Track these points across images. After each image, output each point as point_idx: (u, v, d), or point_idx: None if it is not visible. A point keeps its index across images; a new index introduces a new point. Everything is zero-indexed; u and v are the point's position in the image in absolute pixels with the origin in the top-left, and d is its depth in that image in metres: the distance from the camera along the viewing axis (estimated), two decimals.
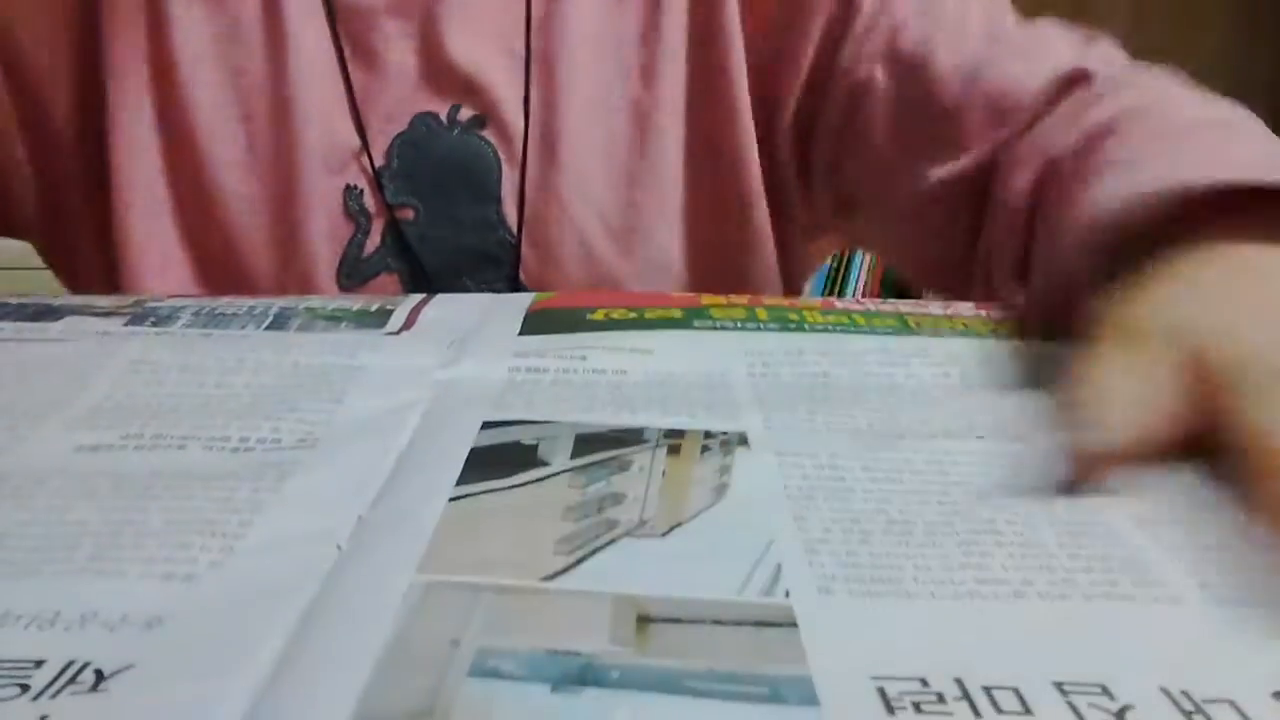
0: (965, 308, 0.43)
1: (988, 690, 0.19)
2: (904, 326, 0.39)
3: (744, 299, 0.42)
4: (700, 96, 0.57)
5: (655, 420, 0.31)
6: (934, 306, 0.42)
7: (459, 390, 0.33)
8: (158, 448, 0.29)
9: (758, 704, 0.19)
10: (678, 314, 0.40)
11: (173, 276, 0.55)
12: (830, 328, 0.39)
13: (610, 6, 0.57)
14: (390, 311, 0.40)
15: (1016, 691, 0.19)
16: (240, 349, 0.36)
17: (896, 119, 0.54)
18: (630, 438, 0.30)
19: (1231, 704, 0.19)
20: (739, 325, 0.39)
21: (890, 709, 0.18)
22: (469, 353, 0.36)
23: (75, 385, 0.33)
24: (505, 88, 0.55)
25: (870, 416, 0.32)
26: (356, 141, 0.55)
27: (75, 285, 0.61)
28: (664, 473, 0.28)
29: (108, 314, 0.39)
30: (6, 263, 1.13)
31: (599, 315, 0.40)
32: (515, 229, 0.56)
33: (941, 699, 0.19)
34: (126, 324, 0.38)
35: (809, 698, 0.19)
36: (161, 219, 0.54)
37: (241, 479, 0.27)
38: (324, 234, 0.54)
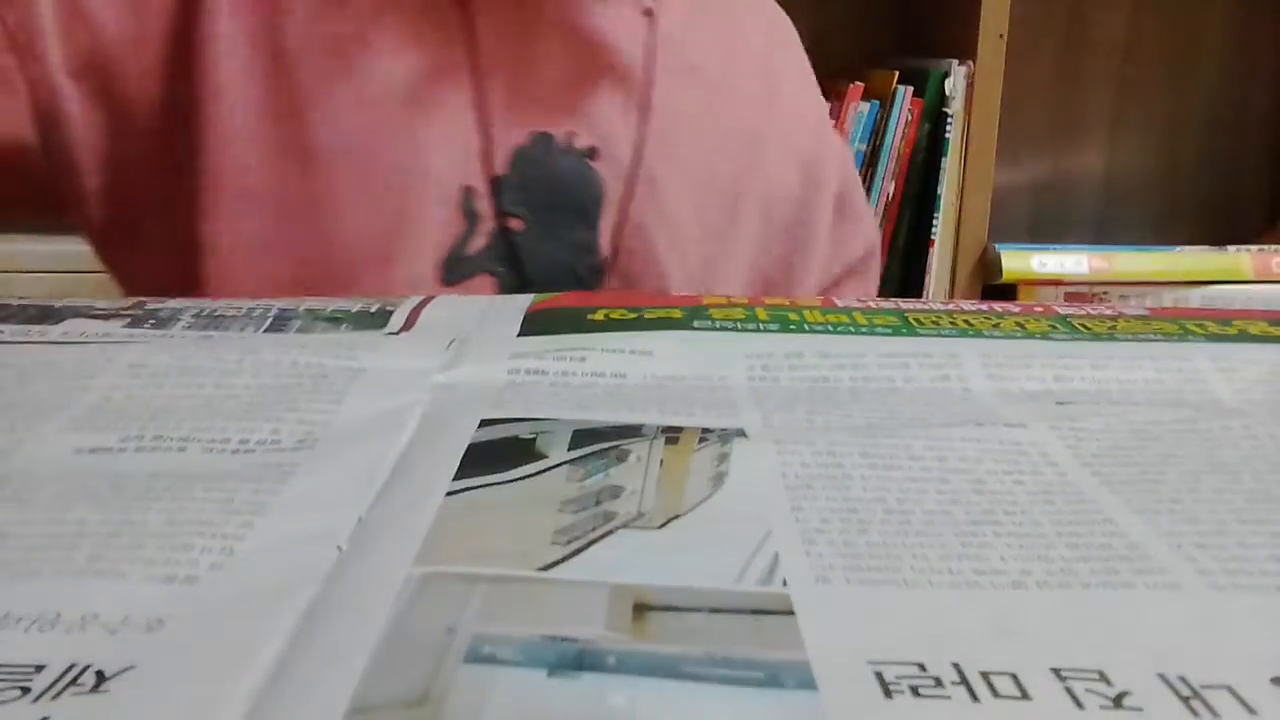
0: (968, 304, 0.43)
1: (985, 675, 0.19)
2: (905, 324, 0.39)
3: (744, 299, 0.43)
4: (797, 196, 0.66)
5: (653, 419, 0.31)
6: (936, 303, 0.43)
7: (458, 392, 0.33)
8: (158, 449, 0.29)
9: (755, 688, 0.19)
10: (677, 314, 0.40)
11: (265, 265, 0.54)
12: (830, 327, 0.39)
13: (727, 88, 0.63)
14: (390, 312, 0.41)
15: (1014, 677, 0.19)
16: (239, 351, 0.36)
17: None
18: (628, 432, 0.30)
19: (1230, 690, 0.19)
20: (739, 326, 0.39)
21: (888, 693, 0.18)
22: (468, 355, 0.36)
23: (75, 389, 0.33)
24: (620, 124, 0.58)
25: (869, 416, 0.32)
26: (478, 143, 0.56)
27: (134, 286, 0.60)
28: (661, 463, 0.28)
29: (108, 316, 0.40)
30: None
31: (599, 316, 0.40)
32: (606, 258, 0.59)
33: (939, 683, 0.19)
34: (126, 326, 0.39)
35: (806, 682, 0.19)
36: (257, 208, 0.54)
37: (242, 480, 0.27)
38: (436, 226, 0.56)
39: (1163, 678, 0.19)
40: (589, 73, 0.58)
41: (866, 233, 0.73)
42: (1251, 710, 0.18)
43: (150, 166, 0.55)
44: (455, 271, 0.56)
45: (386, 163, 0.54)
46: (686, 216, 0.61)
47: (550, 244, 0.58)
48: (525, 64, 0.57)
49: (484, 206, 0.56)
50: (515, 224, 0.57)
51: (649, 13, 0.59)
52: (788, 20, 0.70)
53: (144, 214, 0.56)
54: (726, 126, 0.63)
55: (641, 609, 0.21)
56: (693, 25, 0.62)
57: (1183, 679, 0.19)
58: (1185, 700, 0.19)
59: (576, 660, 0.19)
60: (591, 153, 0.58)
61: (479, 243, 0.56)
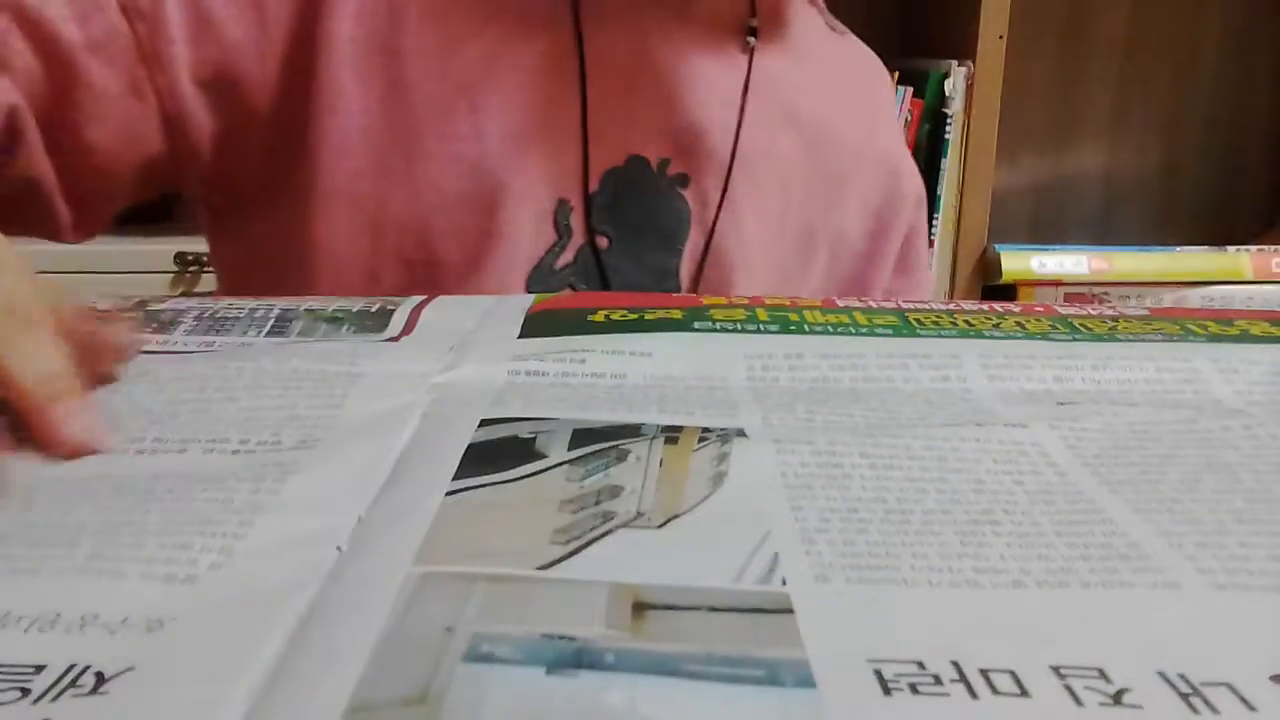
0: (968, 305, 0.43)
1: (984, 673, 0.19)
2: (905, 325, 0.39)
3: (745, 299, 0.43)
4: (864, 250, 0.69)
5: (653, 419, 0.31)
6: (936, 304, 0.43)
7: (458, 392, 0.33)
8: (158, 451, 0.29)
9: (754, 686, 0.19)
10: (678, 315, 0.40)
11: (368, 265, 0.56)
12: (831, 328, 0.39)
13: (819, 138, 0.65)
14: (391, 312, 0.41)
15: (1013, 674, 0.19)
16: (240, 358, 0.36)
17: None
18: (628, 431, 0.30)
19: (1229, 687, 0.19)
20: (739, 326, 0.39)
21: (887, 690, 0.18)
22: (468, 356, 0.36)
23: None
24: (715, 160, 0.60)
25: (869, 416, 0.32)
26: (577, 161, 0.57)
27: (239, 279, 0.62)
28: (661, 463, 0.28)
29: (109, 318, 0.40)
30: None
31: (599, 317, 0.40)
32: (685, 285, 0.61)
33: (938, 681, 0.19)
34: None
35: (805, 680, 0.19)
36: (363, 212, 0.55)
37: (242, 480, 0.27)
38: (530, 236, 0.57)
39: (1162, 675, 0.19)
40: (687, 104, 0.59)
41: (919, 288, 0.74)
42: (1251, 707, 0.18)
43: (261, 170, 0.56)
44: (541, 284, 0.57)
45: (489, 179, 0.56)
46: (763, 252, 0.62)
47: (632, 264, 0.59)
48: (628, 92, 0.58)
49: (576, 221, 0.58)
50: (601, 241, 0.58)
51: (748, 50, 0.61)
52: (880, 64, 0.73)
53: (252, 213, 0.58)
54: (815, 169, 0.64)
55: (641, 608, 0.21)
56: (794, 65, 0.64)
57: (1182, 676, 0.19)
58: (1185, 697, 0.19)
59: (575, 658, 0.19)
60: (683, 180, 0.60)
61: (567, 257, 0.58)
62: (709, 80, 0.59)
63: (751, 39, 0.61)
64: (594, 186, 0.58)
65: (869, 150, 0.68)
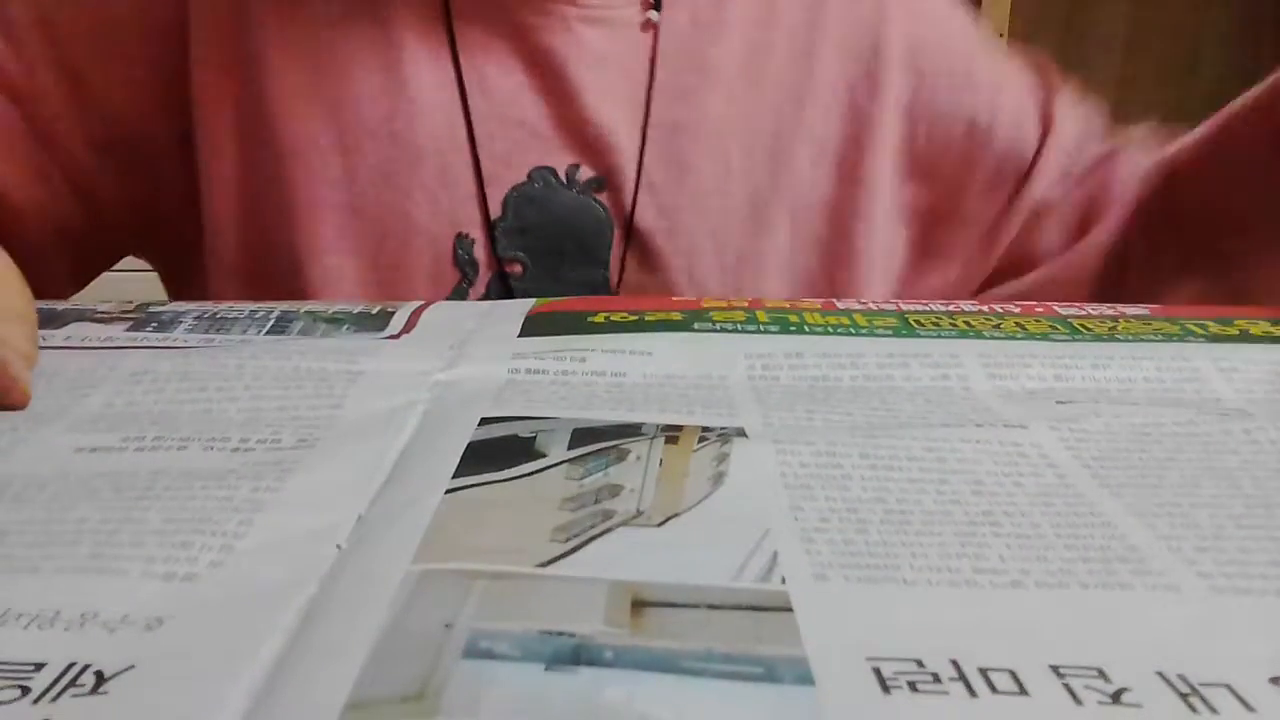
0: (968, 305, 0.43)
1: (984, 672, 0.19)
2: (905, 325, 0.39)
3: (745, 301, 0.43)
4: (830, 199, 0.59)
5: (653, 418, 0.31)
6: (935, 304, 0.43)
7: (458, 391, 0.33)
8: (158, 449, 0.29)
9: (752, 683, 0.19)
10: (678, 316, 0.40)
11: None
12: (830, 329, 0.39)
13: (749, 92, 0.57)
14: (391, 314, 0.41)
15: (1013, 674, 0.19)
16: (240, 356, 0.36)
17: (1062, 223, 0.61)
18: (628, 430, 0.30)
19: (1229, 688, 0.19)
20: (739, 327, 0.39)
21: (885, 689, 0.19)
22: (468, 355, 0.36)
23: (77, 395, 0.33)
24: (628, 153, 0.55)
25: (869, 415, 0.32)
26: (472, 187, 0.53)
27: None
28: (661, 462, 0.28)
29: (110, 320, 0.40)
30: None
31: (599, 318, 0.40)
32: (622, 294, 0.56)
33: (937, 679, 0.19)
34: (129, 330, 0.39)
35: (804, 677, 0.19)
36: (246, 252, 0.54)
37: (242, 478, 0.27)
38: (427, 280, 0.53)
39: (1161, 675, 0.19)
40: (586, 97, 0.54)
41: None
42: (1250, 708, 0.18)
43: (179, 226, 0.55)
44: None
45: (370, 212, 0.52)
46: (707, 239, 0.56)
47: (551, 287, 0.55)
48: (517, 96, 0.54)
49: (481, 253, 0.54)
50: (515, 269, 0.54)
51: (649, 25, 0.56)
52: None
53: (180, 253, 0.57)
54: (747, 123, 0.57)
55: (640, 605, 0.21)
56: (710, 26, 0.57)
57: (1181, 677, 0.19)
58: (1184, 697, 0.19)
59: (574, 655, 0.19)
60: (598, 184, 0.55)
61: (478, 291, 0.54)
62: (600, 57, 0.54)
63: (654, 13, 0.55)
64: (495, 212, 0.53)
65: (816, 99, 0.58)
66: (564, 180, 0.55)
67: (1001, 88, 0.61)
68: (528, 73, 0.54)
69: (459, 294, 0.54)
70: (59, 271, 0.56)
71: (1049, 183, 0.61)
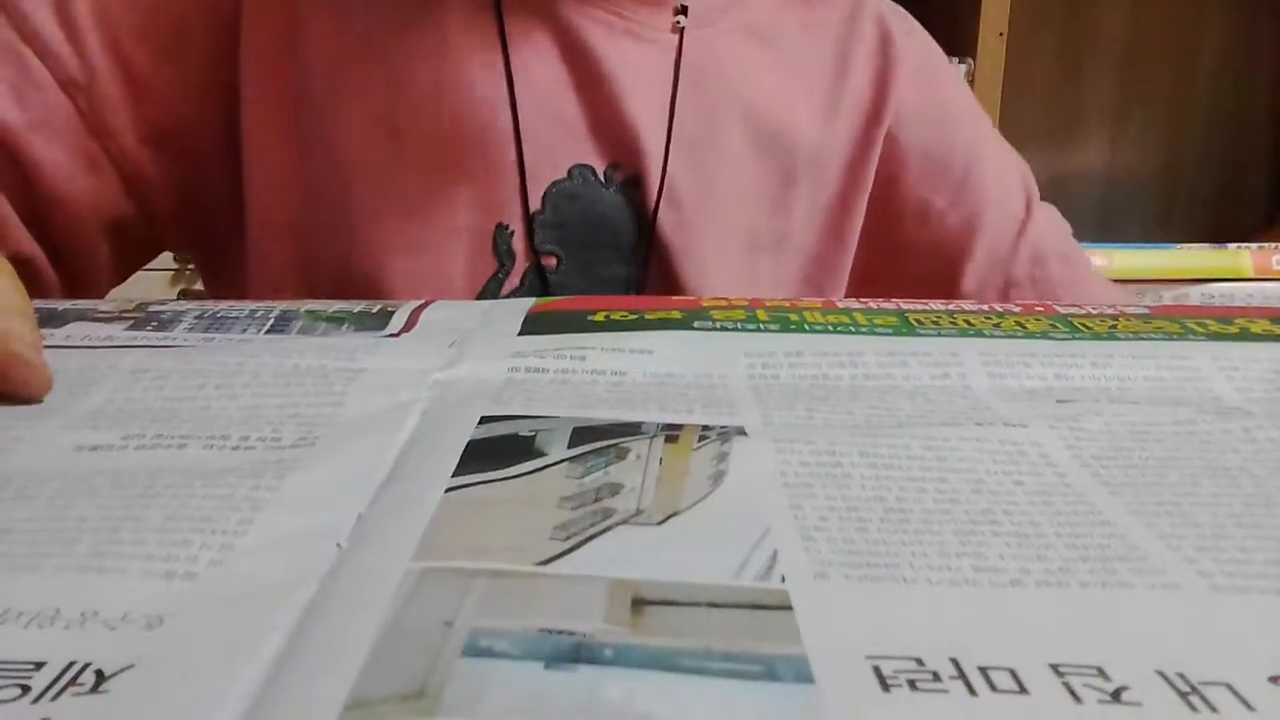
0: (968, 304, 0.43)
1: (984, 670, 0.19)
2: (905, 324, 0.39)
3: (745, 300, 0.43)
4: (815, 254, 0.63)
5: (653, 417, 0.31)
6: (935, 303, 0.43)
7: (458, 389, 0.33)
8: (158, 447, 0.29)
9: (752, 681, 0.19)
10: (678, 315, 0.40)
11: (313, 293, 0.55)
12: (831, 328, 0.39)
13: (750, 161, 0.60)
14: (391, 313, 0.41)
15: (1012, 672, 0.19)
16: (240, 354, 0.36)
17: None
18: (628, 429, 0.30)
19: (1228, 687, 0.19)
20: (739, 326, 0.39)
21: (885, 687, 0.19)
22: (469, 353, 0.36)
23: (77, 393, 0.33)
24: (655, 159, 0.56)
25: (869, 413, 0.32)
26: (515, 180, 0.54)
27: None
28: (661, 461, 0.28)
29: (111, 319, 0.40)
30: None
31: (599, 317, 0.40)
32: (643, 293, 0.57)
33: (937, 678, 0.19)
34: (129, 329, 0.39)
35: (804, 675, 0.19)
36: (295, 244, 0.55)
37: (241, 476, 0.27)
38: (465, 269, 0.54)
39: (1161, 674, 0.19)
40: (621, 97, 0.55)
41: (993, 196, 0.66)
42: (1250, 707, 0.18)
43: (228, 216, 0.56)
44: None
45: (417, 202, 0.53)
46: (716, 255, 0.59)
47: (584, 281, 0.56)
48: (560, 93, 0.55)
49: (519, 244, 0.55)
50: (550, 261, 0.56)
51: (677, 29, 0.57)
52: (874, 13, 0.65)
53: (231, 259, 0.58)
54: (765, 169, 0.60)
55: (640, 603, 0.21)
56: (745, 47, 0.59)
57: (1181, 675, 0.19)
58: (1184, 696, 0.19)
59: (573, 653, 0.19)
60: (634, 183, 0.56)
61: (513, 283, 0.55)
62: (638, 66, 0.56)
63: (681, 18, 0.57)
64: (535, 205, 0.55)
65: (828, 143, 0.62)
66: (602, 180, 0.56)
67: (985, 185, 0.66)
68: (571, 70, 0.55)
69: (495, 283, 0.55)
70: (101, 262, 0.56)
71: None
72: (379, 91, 0.53)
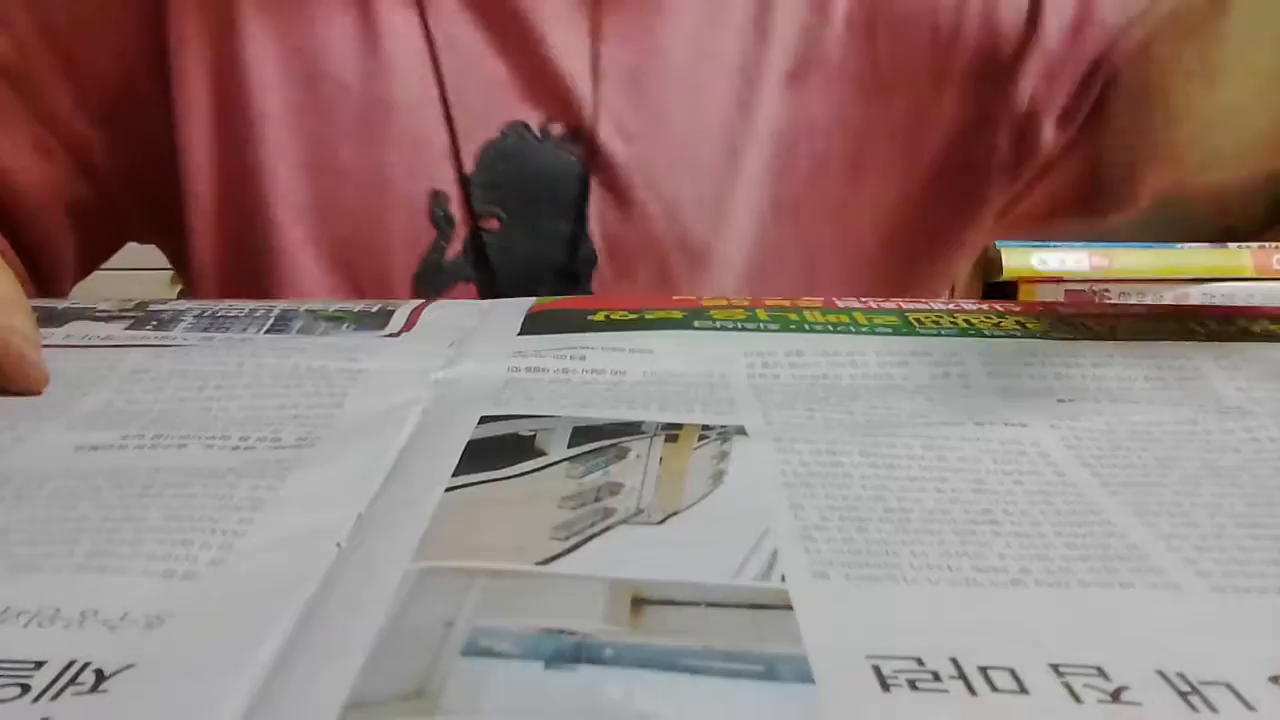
0: (968, 304, 0.43)
1: (984, 670, 0.19)
2: (905, 324, 0.39)
3: (745, 300, 0.43)
4: (793, 132, 0.56)
5: (653, 416, 0.31)
6: (936, 303, 0.43)
7: (458, 389, 0.33)
8: (158, 447, 0.29)
9: (752, 681, 0.19)
10: (678, 314, 0.40)
11: (237, 283, 0.54)
12: (831, 327, 0.39)
13: (708, 27, 0.55)
14: (391, 312, 0.41)
15: (1012, 672, 0.19)
16: (240, 354, 0.36)
17: None
18: (628, 429, 0.30)
19: (1229, 687, 0.19)
20: (739, 325, 0.39)
21: (885, 687, 0.18)
22: (468, 353, 0.36)
23: (77, 392, 0.33)
24: (591, 103, 0.54)
25: (869, 413, 0.32)
26: (446, 144, 0.53)
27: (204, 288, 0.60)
28: (661, 460, 0.28)
29: (110, 318, 0.40)
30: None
31: (599, 316, 0.40)
32: (600, 244, 0.55)
33: (937, 677, 0.19)
34: (129, 328, 0.39)
35: (804, 675, 0.19)
36: (227, 228, 0.54)
37: (242, 476, 0.27)
38: (403, 239, 0.53)
39: (1161, 674, 0.19)
40: (545, 50, 0.52)
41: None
42: (1250, 707, 0.18)
43: (177, 190, 0.55)
44: (432, 283, 0.54)
45: (345, 173, 0.52)
46: (681, 177, 0.54)
47: (528, 241, 0.54)
48: (482, 49, 0.53)
49: (457, 209, 0.53)
50: (490, 224, 0.54)
51: None
52: None
53: (180, 235, 0.56)
54: (709, 68, 0.55)
55: (640, 603, 0.21)
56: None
57: (1181, 675, 0.19)
58: (1184, 696, 0.19)
59: (573, 653, 0.19)
60: (574, 136, 0.54)
61: (455, 249, 0.54)
62: (560, 12, 0.53)
63: None
64: (469, 168, 0.53)
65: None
66: (538, 135, 0.54)
67: None
68: (492, 28, 0.53)
69: (437, 251, 0.53)
70: (66, 255, 0.56)
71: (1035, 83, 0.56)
72: (302, 62, 0.52)
